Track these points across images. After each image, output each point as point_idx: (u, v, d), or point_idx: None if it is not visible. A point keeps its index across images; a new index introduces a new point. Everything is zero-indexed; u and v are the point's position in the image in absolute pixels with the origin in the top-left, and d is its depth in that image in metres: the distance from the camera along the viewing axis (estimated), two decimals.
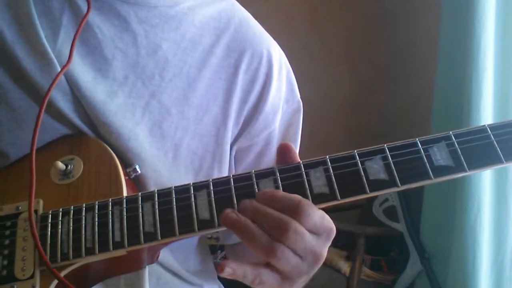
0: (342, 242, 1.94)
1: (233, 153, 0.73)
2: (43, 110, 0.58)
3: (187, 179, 0.54)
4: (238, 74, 0.71)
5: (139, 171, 0.62)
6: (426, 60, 1.86)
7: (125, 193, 0.58)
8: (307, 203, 0.50)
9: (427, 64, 1.83)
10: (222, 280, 0.86)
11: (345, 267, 1.85)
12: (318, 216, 0.50)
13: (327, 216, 0.51)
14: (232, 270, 0.50)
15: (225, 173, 0.71)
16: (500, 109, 1.56)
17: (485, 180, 1.55)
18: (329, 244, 0.52)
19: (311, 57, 2.07)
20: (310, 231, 0.50)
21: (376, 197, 1.90)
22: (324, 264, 2.02)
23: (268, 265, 0.51)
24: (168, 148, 0.66)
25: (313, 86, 2.04)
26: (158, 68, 0.67)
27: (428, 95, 1.75)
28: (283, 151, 0.55)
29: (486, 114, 1.50)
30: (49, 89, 0.59)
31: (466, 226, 1.55)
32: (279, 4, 2.04)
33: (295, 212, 0.49)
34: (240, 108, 0.71)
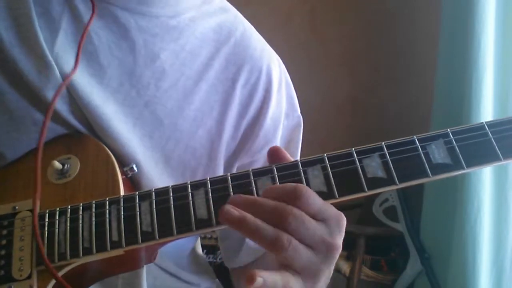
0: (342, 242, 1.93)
1: (234, 170, 0.72)
2: (48, 121, 0.58)
3: None
4: (236, 88, 0.70)
5: (136, 170, 0.62)
6: (426, 60, 1.86)
7: (122, 193, 0.58)
8: (305, 188, 0.48)
9: (427, 64, 1.83)
10: (222, 280, 0.86)
11: (345, 267, 1.85)
12: (321, 202, 0.48)
13: (331, 205, 0.50)
14: (263, 280, 0.45)
15: None
16: (500, 109, 1.56)
17: (485, 180, 1.55)
18: (342, 234, 0.49)
19: (311, 58, 2.06)
20: (316, 218, 0.48)
21: (376, 197, 1.89)
22: None
23: (286, 267, 0.48)
24: (158, 159, 0.66)
25: (312, 86, 2.04)
26: (154, 78, 0.66)
27: (428, 95, 1.75)
28: (274, 155, 0.54)
29: (486, 114, 1.50)
30: (53, 99, 0.59)
31: (466, 226, 1.55)
32: (278, 5, 2.03)
33: (294, 197, 0.47)
34: (237, 123, 0.70)
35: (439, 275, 1.70)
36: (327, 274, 0.50)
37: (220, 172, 0.70)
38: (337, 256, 0.49)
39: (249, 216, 0.47)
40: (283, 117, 0.74)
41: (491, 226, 1.59)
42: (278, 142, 0.74)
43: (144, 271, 0.65)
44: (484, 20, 1.51)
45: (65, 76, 0.61)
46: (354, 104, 2.15)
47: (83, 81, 0.63)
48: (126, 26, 0.66)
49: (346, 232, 0.49)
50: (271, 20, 1.95)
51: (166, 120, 0.66)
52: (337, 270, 1.86)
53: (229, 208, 0.48)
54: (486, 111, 1.51)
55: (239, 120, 0.71)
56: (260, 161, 0.74)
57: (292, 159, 0.54)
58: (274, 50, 0.77)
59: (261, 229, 0.47)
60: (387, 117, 2.09)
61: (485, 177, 1.55)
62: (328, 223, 0.48)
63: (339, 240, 0.49)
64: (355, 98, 2.14)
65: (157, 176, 0.65)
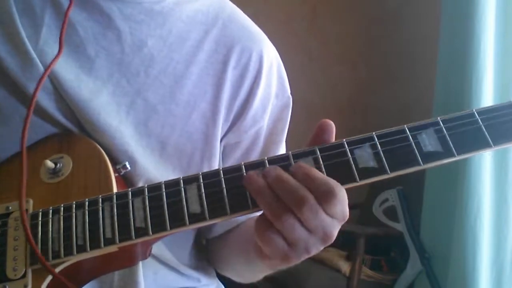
0: (342, 242, 1.93)
1: (221, 149, 0.73)
2: (31, 112, 0.57)
3: (174, 176, 0.53)
4: (227, 70, 0.70)
5: (129, 168, 0.62)
6: (426, 60, 1.86)
7: (115, 190, 0.58)
8: (341, 192, 0.48)
9: (427, 64, 1.83)
10: (222, 279, 0.86)
11: (345, 267, 1.85)
12: (342, 206, 0.49)
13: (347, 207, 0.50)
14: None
15: None
16: None
17: (485, 179, 1.55)
18: (340, 226, 0.50)
19: (311, 58, 2.07)
20: (329, 213, 0.48)
21: (376, 197, 1.89)
22: (324, 264, 1.99)
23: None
24: (154, 146, 0.65)
25: (313, 86, 2.04)
26: (144, 65, 0.66)
27: (428, 95, 1.75)
28: (322, 129, 0.53)
29: None
30: (36, 89, 0.58)
31: (466, 226, 1.55)
32: (279, 5, 2.04)
33: (325, 195, 0.48)
34: (230, 104, 0.70)
35: (439, 275, 1.70)
36: (308, 253, 0.51)
37: (217, 154, 0.71)
38: (326, 245, 0.51)
39: (266, 188, 0.49)
40: (272, 97, 0.74)
41: (491, 226, 1.59)
42: (265, 122, 0.74)
43: (140, 267, 0.65)
44: (484, 20, 1.51)
45: (47, 66, 0.60)
46: (354, 104, 2.16)
47: (70, 75, 0.63)
48: (110, 15, 0.66)
49: (346, 232, 0.49)
50: (272, 20, 1.95)
51: (159, 106, 0.66)
52: (337, 270, 1.86)
53: (254, 174, 0.50)
54: None
55: (231, 102, 0.71)
56: (246, 141, 0.73)
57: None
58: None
59: (270, 201, 0.49)
60: (387, 117, 2.09)
61: (485, 176, 1.55)
62: (336, 219, 0.49)
63: (336, 232, 0.50)
64: (355, 98, 2.14)
65: (152, 164, 0.65)
